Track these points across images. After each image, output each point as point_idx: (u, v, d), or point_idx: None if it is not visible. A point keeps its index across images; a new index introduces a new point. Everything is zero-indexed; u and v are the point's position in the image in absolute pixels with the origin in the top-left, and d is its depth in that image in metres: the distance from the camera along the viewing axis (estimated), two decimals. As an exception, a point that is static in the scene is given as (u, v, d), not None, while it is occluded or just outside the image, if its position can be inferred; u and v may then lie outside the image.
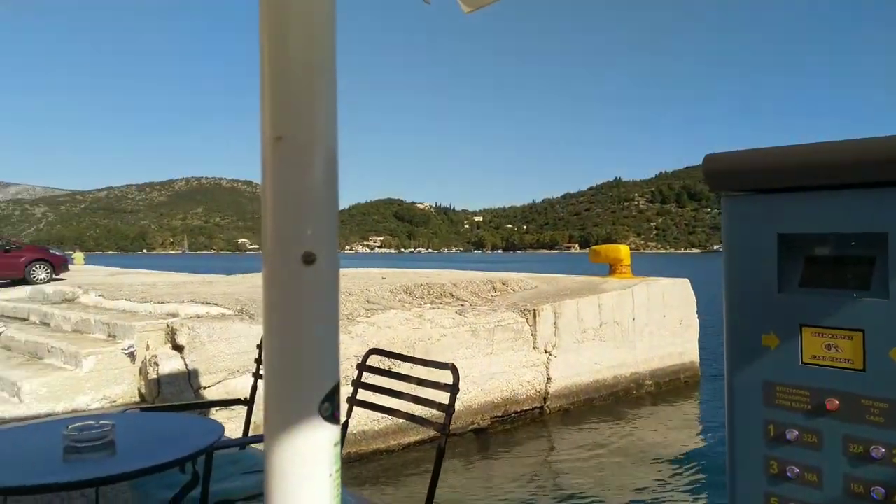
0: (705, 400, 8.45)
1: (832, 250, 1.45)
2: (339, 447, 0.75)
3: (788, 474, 1.46)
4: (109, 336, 5.90)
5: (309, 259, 0.76)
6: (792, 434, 1.45)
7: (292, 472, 0.71)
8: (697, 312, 9.55)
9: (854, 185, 1.39)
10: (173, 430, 2.03)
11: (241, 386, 5.34)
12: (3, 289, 11.55)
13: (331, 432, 0.74)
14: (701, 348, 9.51)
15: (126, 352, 5.35)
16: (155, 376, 5.11)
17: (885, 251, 1.35)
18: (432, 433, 6.10)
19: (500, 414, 7.04)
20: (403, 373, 2.64)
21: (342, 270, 12.64)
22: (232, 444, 2.26)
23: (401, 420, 5.21)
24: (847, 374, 1.39)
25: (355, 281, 9.18)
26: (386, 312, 6.87)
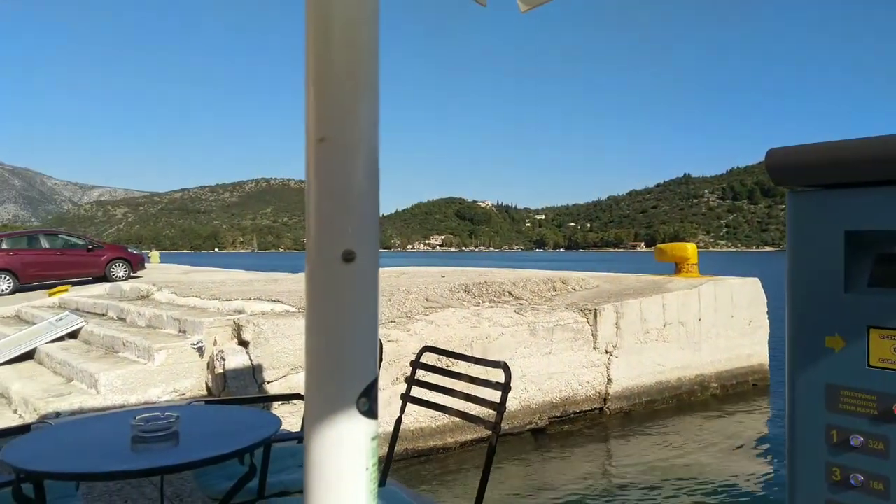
0: (774, 404, 8.12)
1: None
2: (375, 441, 0.76)
3: (852, 482, 1.40)
4: (180, 331, 6.15)
5: (349, 257, 0.77)
6: (856, 440, 1.39)
7: (330, 465, 0.73)
8: (768, 313, 9.18)
9: None
10: (234, 422, 2.10)
11: (302, 381, 5.47)
12: (86, 286, 12.23)
13: (368, 427, 0.75)
14: (771, 350, 9.14)
15: (195, 346, 5.57)
16: (221, 371, 5.31)
17: None
18: (489, 432, 6.10)
19: (558, 414, 6.97)
20: (458, 371, 2.65)
21: (402, 269, 12.80)
22: (289, 437, 2.32)
23: (456, 418, 5.24)
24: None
25: (415, 279, 9.26)
26: (444, 311, 6.90)
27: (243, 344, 5.54)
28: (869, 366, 1.40)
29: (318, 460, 0.74)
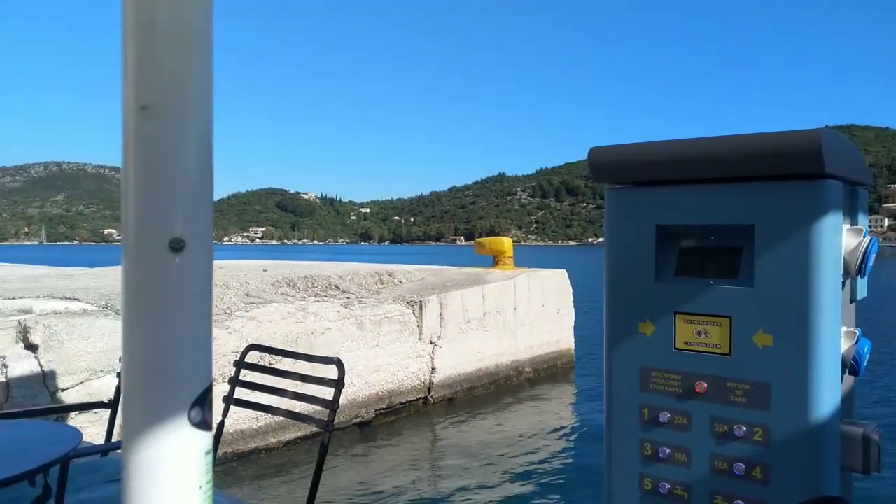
0: (580, 384, 8.88)
1: (704, 241, 1.53)
2: (210, 456, 0.67)
3: (660, 455, 1.52)
4: (-55, 335, 5.21)
5: (177, 246, 0.67)
6: (664, 417, 1.51)
7: (155, 485, 0.63)
8: (574, 302, 10.00)
9: (725, 179, 1.46)
10: (21, 439, 1.81)
11: (105, 387, 4.93)
12: None
13: (201, 440, 0.66)
14: (576, 336, 9.97)
15: (-34, 353, 4.75)
16: (3, 379, 4.59)
17: (751, 242, 1.43)
18: (316, 429, 5.97)
19: (384, 406, 7.00)
20: (285, 369, 2.53)
21: (219, 262, 12.07)
22: (91, 451, 2.06)
23: (281, 417, 5.05)
24: (715, 358, 1.46)
25: (234, 273, 8.78)
26: (267, 306, 6.63)
27: (31, 348, 4.84)
28: (675, 349, 1.51)
29: (139, 479, 0.63)
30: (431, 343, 7.68)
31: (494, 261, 10.75)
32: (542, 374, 9.17)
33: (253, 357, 4.83)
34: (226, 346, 5.65)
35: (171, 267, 0.68)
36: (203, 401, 0.67)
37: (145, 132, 0.68)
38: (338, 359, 2.29)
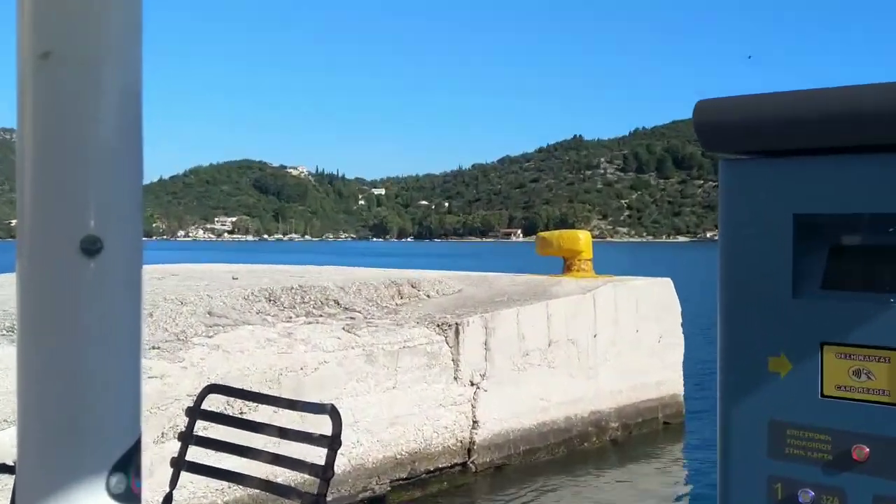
0: (693, 449, 8.79)
1: (871, 237, 1.49)
2: (137, 541, 0.69)
3: None
4: None
5: (91, 247, 0.69)
6: (807, 496, 1.48)
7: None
8: (683, 325, 9.92)
9: None
10: None
11: (10, 443, 5.08)
12: None
13: (125, 518, 0.68)
14: (686, 376, 9.88)
15: None
16: None
17: None
18: (305, 506, 6.04)
19: (404, 475, 7.05)
20: (261, 420, 2.58)
21: (170, 267, 12.33)
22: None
23: (257, 491, 5.13)
24: (882, 410, 1.43)
25: (191, 283, 8.96)
26: (237, 329, 6.74)
27: None
28: (822, 395, 1.48)
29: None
30: (472, 384, 7.70)
31: (566, 265, 10.74)
32: (634, 433, 9.11)
33: (216, 403, 4.91)
34: (177, 386, 5.77)
35: (82, 276, 0.70)
36: (128, 464, 0.69)
37: (47, 88, 0.70)
38: (331, 406, 2.32)
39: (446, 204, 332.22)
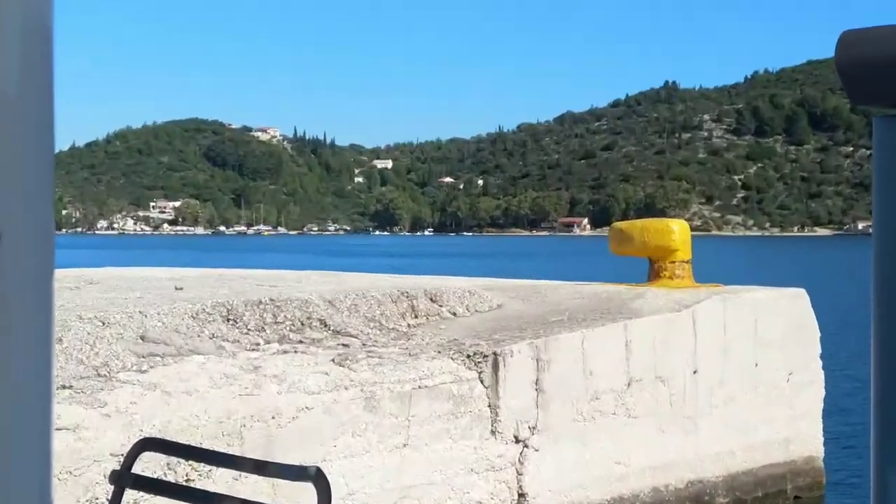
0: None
1: None
2: None
3: None
4: None
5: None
6: None
7: None
8: (823, 356, 9.85)
9: None
10: None
11: None
12: None
13: None
14: (828, 430, 9.81)
15: None
16: None
17: None
18: None
19: (421, 571, 7.05)
20: (217, 490, 2.60)
21: (85, 272, 12.37)
22: None
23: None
24: None
25: (117, 295, 9.03)
26: (183, 362, 6.78)
27: None
28: None
29: None
30: (518, 441, 7.69)
31: (653, 269, 10.72)
32: (752, 510, 9.06)
33: (153, 464, 4.94)
34: (97, 442, 5.81)
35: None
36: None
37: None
38: (318, 470, 2.33)
39: (480, 182, 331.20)
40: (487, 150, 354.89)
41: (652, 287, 10.39)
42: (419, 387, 7.28)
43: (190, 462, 5.17)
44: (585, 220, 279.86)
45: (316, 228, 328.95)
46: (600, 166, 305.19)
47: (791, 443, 9.64)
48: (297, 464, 2.97)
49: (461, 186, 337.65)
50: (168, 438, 4.21)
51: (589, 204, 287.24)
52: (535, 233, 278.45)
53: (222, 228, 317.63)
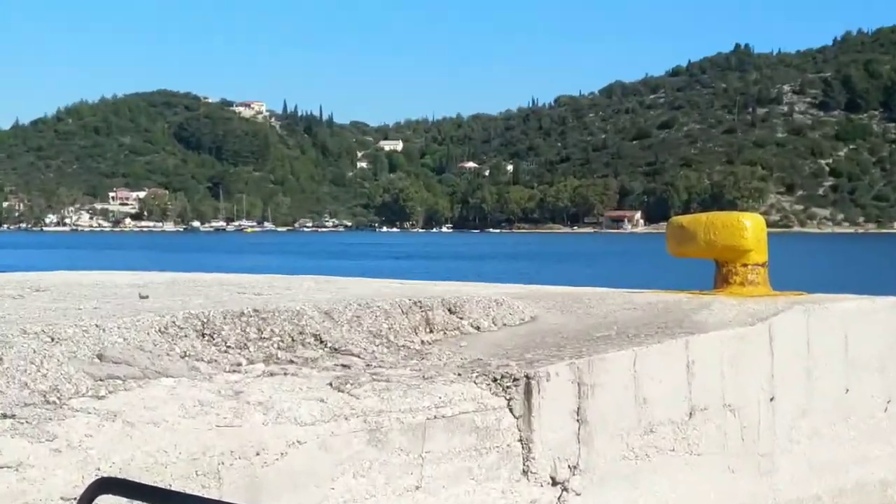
0: None
1: None
2: None
3: None
4: None
5: None
6: None
7: None
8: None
9: None
10: None
11: None
12: None
13: None
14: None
15: None
16: None
17: None
18: None
19: None
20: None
21: (35, 278, 12.37)
22: None
23: None
24: None
25: (70, 304, 9.04)
26: (149, 386, 6.78)
27: None
28: None
29: None
30: (556, 484, 7.69)
31: (721, 273, 10.72)
32: (841, 569, 9.04)
33: (111, 512, 4.95)
34: (47, 482, 5.83)
35: None
36: None
37: None
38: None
39: (510, 167, 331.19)
40: (519, 129, 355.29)
41: (719, 295, 10.38)
42: (435, 417, 7.28)
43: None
44: (638, 215, 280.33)
45: (310, 224, 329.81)
46: (656, 148, 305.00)
47: (889, 486, 9.63)
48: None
49: (486, 173, 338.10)
50: (130, 478, 4.23)
51: (643, 194, 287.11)
52: (576, 229, 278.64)
53: (196, 224, 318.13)
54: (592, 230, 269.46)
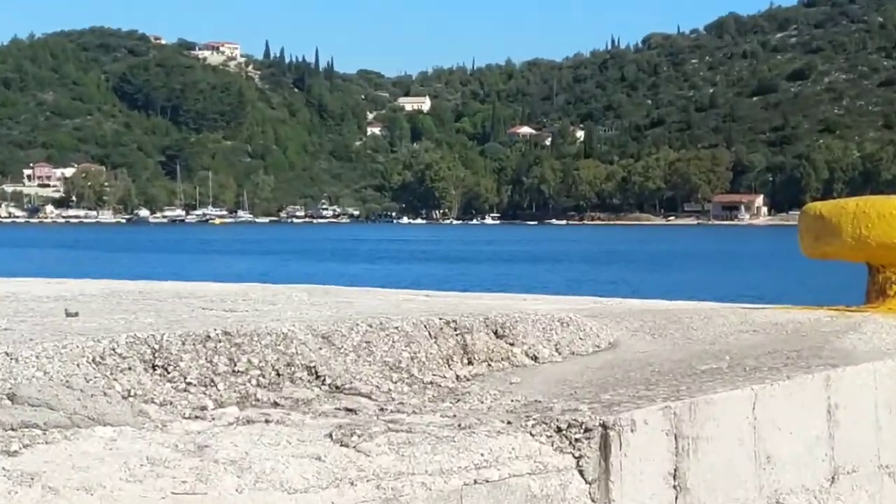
0: None
1: None
2: None
3: None
4: None
5: None
6: None
7: None
8: None
9: None
10: None
11: None
12: None
13: None
14: None
15: None
16: None
17: None
18: None
19: None
20: None
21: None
22: None
23: None
24: None
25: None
26: (79, 437, 6.80)
27: None
28: None
29: None
30: (643, 573, 7.69)
31: (875, 281, 10.72)
32: None
33: None
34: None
35: None
36: None
37: None
38: None
39: (580, 134, 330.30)
40: (592, 81, 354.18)
41: (873, 313, 10.36)
42: (475, 481, 7.28)
43: None
44: (759, 200, 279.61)
45: (302, 213, 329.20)
46: (785, 107, 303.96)
47: None
48: None
49: (547, 142, 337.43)
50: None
51: (766, 171, 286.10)
52: (672, 220, 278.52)
53: (144, 213, 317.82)
54: (695, 221, 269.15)
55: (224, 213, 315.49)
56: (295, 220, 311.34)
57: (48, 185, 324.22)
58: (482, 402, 8.23)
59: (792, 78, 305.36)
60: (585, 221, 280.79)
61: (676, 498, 7.80)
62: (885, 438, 8.56)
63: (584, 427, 7.65)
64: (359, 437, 7.33)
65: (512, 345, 9.33)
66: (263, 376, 8.29)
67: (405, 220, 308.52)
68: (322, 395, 8.24)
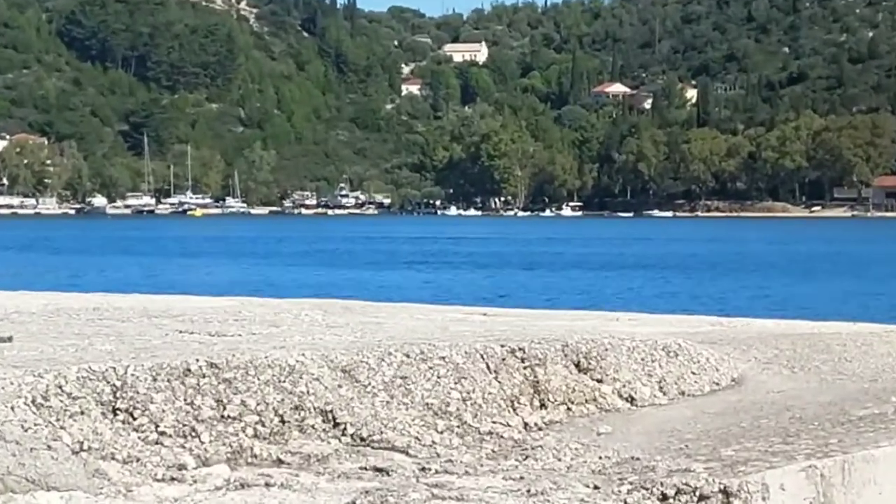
0: None
1: None
2: None
3: None
4: None
5: None
6: None
7: None
8: None
9: None
10: None
11: None
12: None
13: None
14: None
15: None
16: None
17: None
18: None
19: None
20: None
21: None
22: None
23: None
24: None
25: None
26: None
27: None
28: None
29: None
30: None
31: None
32: None
33: None
34: None
35: None
36: None
37: None
38: None
39: (691, 94, 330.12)
40: (708, 21, 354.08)
41: None
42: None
43: None
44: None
45: (313, 202, 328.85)
46: None
47: None
48: None
49: (647, 105, 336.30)
50: None
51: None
52: (817, 211, 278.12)
53: (99, 202, 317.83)
54: (849, 213, 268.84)
55: (208, 201, 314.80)
56: (304, 210, 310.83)
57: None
58: (559, 460, 8.19)
59: None
60: (699, 213, 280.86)
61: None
62: None
63: (699, 495, 7.61)
64: (393, 505, 7.32)
65: (600, 381, 9.31)
66: (263, 424, 8.26)
67: (454, 210, 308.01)
68: (342, 449, 8.21)
